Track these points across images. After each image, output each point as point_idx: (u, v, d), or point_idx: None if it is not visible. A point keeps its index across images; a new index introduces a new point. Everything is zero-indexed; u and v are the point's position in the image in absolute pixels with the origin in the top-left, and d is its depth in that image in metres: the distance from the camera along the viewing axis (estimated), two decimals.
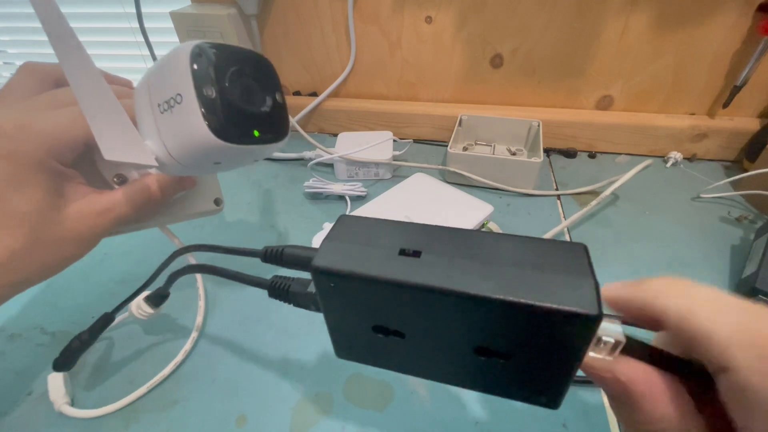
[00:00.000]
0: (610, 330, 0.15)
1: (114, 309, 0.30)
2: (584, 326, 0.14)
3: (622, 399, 0.15)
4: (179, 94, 0.20)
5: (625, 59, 0.51)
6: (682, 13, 0.47)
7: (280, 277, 0.23)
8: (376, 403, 0.29)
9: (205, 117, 0.20)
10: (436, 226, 0.18)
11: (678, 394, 0.15)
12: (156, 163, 0.22)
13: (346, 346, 0.21)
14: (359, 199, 0.49)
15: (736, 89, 0.48)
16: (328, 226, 0.42)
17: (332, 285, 0.18)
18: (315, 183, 0.49)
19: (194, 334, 0.34)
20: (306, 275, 0.21)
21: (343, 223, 0.19)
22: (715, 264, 0.39)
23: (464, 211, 0.40)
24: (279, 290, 0.22)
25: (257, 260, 0.23)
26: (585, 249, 0.16)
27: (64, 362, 0.29)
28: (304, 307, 0.22)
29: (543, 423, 0.28)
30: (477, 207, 0.41)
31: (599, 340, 0.15)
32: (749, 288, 0.34)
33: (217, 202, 0.35)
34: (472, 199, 0.42)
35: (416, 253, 0.17)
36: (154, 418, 0.29)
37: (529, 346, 0.16)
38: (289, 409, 0.29)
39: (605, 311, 0.14)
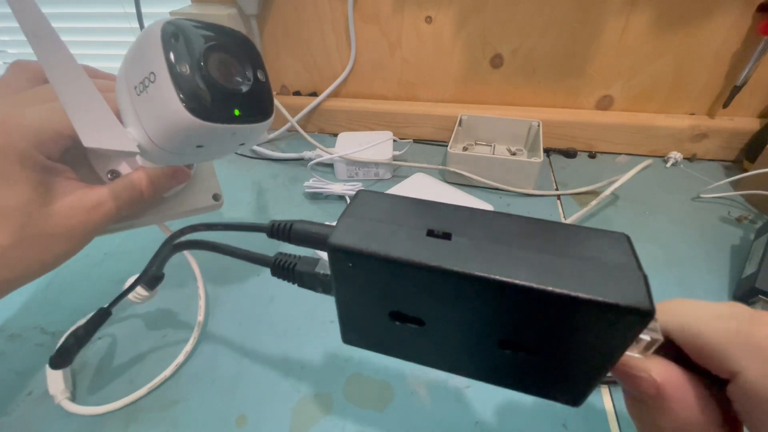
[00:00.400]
0: (650, 326, 0.14)
1: (110, 303, 0.29)
2: (633, 322, 0.13)
3: (651, 400, 0.15)
4: (152, 73, 0.19)
5: (625, 59, 0.51)
6: (682, 13, 0.47)
7: (285, 254, 0.21)
8: (376, 403, 0.29)
9: (180, 95, 0.19)
10: (465, 207, 0.17)
11: (708, 400, 0.14)
12: (137, 150, 0.22)
13: (356, 331, 0.20)
14: None
15: (736, 89, 0.48)
16: None
17: (350, 265, 0.16)
18: (315, 183, 0.49)
19: (195, 334, 0.34)
20: (313, 254, 0.19)
21: (362, 198, 0.17)
22: (715, 264, 0.39)
23: None
24: (283, 268, 0.21)
25: (260, 242, 0.21)
26: (628, 239, 0.15)
27: (60, 360, 0.28)
28: (310, 288, 0.20)
29: (543, 423, 0.28)
30: (477, 207, 0.41)
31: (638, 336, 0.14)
32: (749, 288, 0.34)
33: (216, 197, 0.33)
34: (472, 199, 0.42)
35: (446, 236, 0.15)
36: (154, 417, 0.29)
37: (561, 341, 0.15)
38: (289, 409, 0.29)
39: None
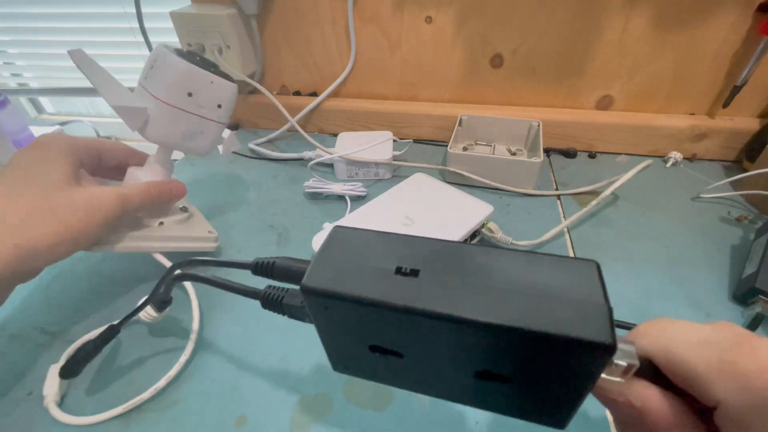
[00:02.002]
0: (624, 352, 0.14)
1: (119, 321, 0.30)
2: (597, 356, 0.13)
3: (633, 424, 0.15)
4: (159, 55, 0.34)
5: (625, 59, 0.51)
6: (682, 13, 0.47)
7: (273, 287, 0.22)
8: (376, 404, 0.29)
9: (178, 55, 0.34)
10: (435, 240, 0.17)
11: (694, 425, 0.14)
12: (146, 104, 0.34)
13: (343, 361, 0.20)
14: (359, 199, 0.49)
15: (736, 89, 0.48)
16: (328, 226, 0.42)
17: (325, 307, 0.17)
18: (315, 183, 0.49)
19: (193, 336, 0.33)
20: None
21: (337, 235, 0.18)
22: (715, 264, 0.39)
23: (464, 211, 0.40)
24: (272, 301, 0.21)
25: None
26: (597, 267, 0.15)
27: (70, 370, 0.30)
28: (298, 319, 0.21)
29: None
30: (477, 207, 0.41)
31: (611, 362, 0.14)
32: (749, 288, 0.34)
33: (211, 232, 0.41)
34: (472, 199, 0.42)
35: (414, 272, 0.15)
36: (154, 418, 0.29)
37: (533, 371, 0.15)
38: (288, 409, 0.29)
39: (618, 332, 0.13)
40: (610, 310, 0.13)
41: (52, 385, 0.30)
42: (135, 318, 0.30)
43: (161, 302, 0.31)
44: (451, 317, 0.14)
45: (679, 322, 0.15)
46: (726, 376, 0.13)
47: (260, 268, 0.21)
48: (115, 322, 0.31)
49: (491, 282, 0.15)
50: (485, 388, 0.17)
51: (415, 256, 0.16)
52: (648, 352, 0.15)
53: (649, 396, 0.14)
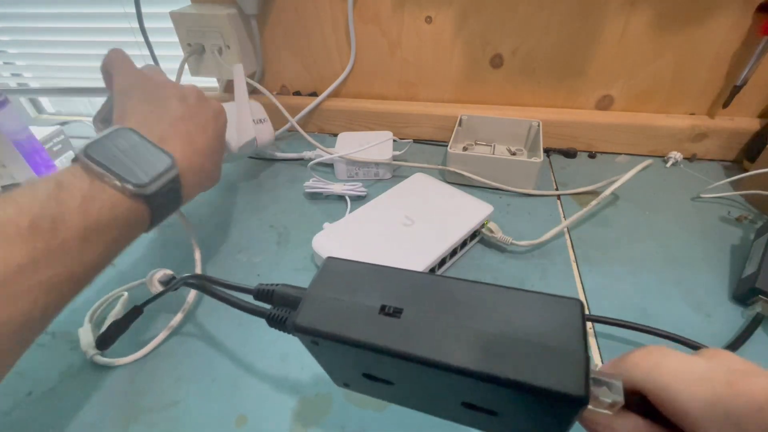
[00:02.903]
0: (611, 386, 0.14)
1: (143, 303, 0.32)
2: (570, 407, 0.13)
3: None
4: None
5: (625, 59, 0.51)
6: (682, 13, 0.47)
7: (278, 307, 0.23)
8: (376, 404, 0.29)
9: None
10: (420, 274, 0.18)
11: None
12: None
13: (342, 381, 0.22)
14: (359, 199, 0.49)
15: (736, 89, 0.48)
16: (328, 226, 0.42)
17: (315, 342, 0.18)
18: (315, 183, 0.49)
19: (194, 336, 0.34)
20: None
21: (329, 267, 0.19)
22: (715, 264, 0.39)
23: (464, 211, 0.40)
24: (276, 321, 0.22)
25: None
26: (580, 308, 0.15)
27: (103, 342, 0.32)
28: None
29: None
30: (477, 207, 0.41)
31: (596, 398, 0.14)
32: (749, 288, 0.33)
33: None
34: (472, 199, 0.42)
35: (397, 312, 0.16)
36: (154, 418, 0.29)
37: (517, 410, 0.15)
38: (289, 409, 0.29)
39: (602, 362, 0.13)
40: (586, 360, 0.13)
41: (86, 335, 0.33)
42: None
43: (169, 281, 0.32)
44: (429, 362, 0.14)
45: (673, 355, 0.15)
46: (718, 417, 0.12)
47: (261, 294, 0.23)
48: (139, 304, 0.32)
49: (472, 323, 0.15)
50: (474, 416, 0.17)
51: (399, 292, 0.17)
52: (640, 386, 0.15)
53: (635, 428, 0.14)
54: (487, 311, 0.15)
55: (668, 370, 0.14)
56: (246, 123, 0.47)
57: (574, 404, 0.13)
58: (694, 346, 0.31)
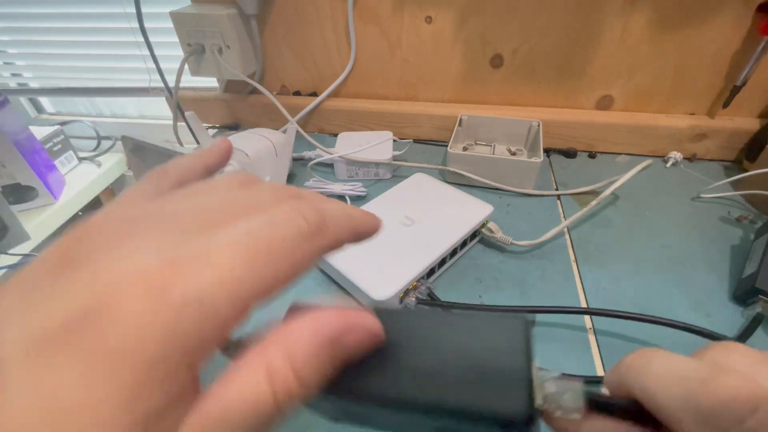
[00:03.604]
0: (572, 393, 0.14)
1: None
2: (519, 427, 0.13)
3: None
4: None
5: (625, 59, 0.51)
6: (682, 13, 0.47)
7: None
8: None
9: None
10: (376, 306, 0.18)
11: None
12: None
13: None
14: (359, 199, 0.49)
15: (736, 89, 0.48)
16: None
17: None
18: (315, 183, 0.49)
19: None
20: None
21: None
22: (715, 264, 0.39)
23: (464, 211, 0.40)
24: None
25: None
26: (526, 326, 0.15)
27: None
28: None
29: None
30: (477, 207, 0.41)
31: (559, 405, 0.14)
32: (749, 288, 0.34)
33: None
34: (472, 199, 0.42)
35: None
36: None
37: None
38: None
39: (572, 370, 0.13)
40: (528, 380, 0.13)
41: None
42: None
43: None
44: (375, 397, 0.14)
45: (663, 355, 0.15)
46: (691, 415, 0.13)
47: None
48: None
49: (422, 348, 0.15)
50: None
51: None
52: (630, 388, 0.15)
53: (605, 430, 0.14)
54: (437, 339, 0.15)
55: (654, 371, 0.14)
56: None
57: (521, 425, 0.13)
58: (708, 335, 0.30)
